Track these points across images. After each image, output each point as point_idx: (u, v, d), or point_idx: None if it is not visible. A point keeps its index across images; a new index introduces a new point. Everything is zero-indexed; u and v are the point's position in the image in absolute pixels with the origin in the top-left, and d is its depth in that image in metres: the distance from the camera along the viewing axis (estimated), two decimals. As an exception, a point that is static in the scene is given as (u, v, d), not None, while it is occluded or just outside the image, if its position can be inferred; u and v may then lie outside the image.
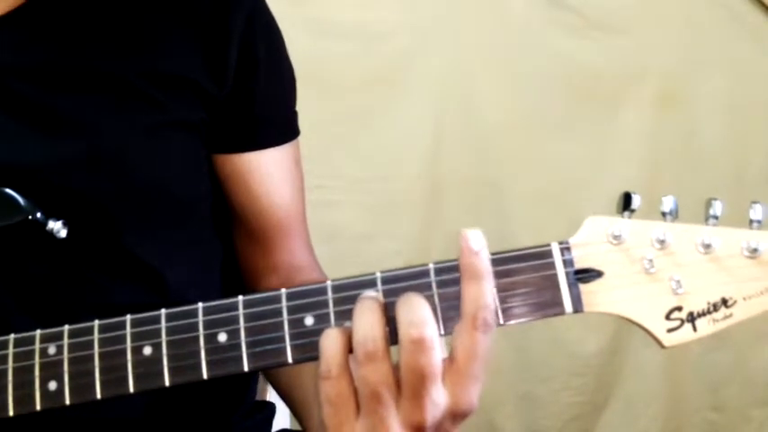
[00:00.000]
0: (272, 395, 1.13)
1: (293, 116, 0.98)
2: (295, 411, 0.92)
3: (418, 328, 0.58)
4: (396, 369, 0.60)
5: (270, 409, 1.03)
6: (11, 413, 0.66)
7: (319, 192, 1.67)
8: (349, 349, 0.60)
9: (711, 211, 0.60)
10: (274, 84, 0.94)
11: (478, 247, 0.60)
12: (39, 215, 0.77)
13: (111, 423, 0.83)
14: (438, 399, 0.59)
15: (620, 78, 1.84)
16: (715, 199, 0.60)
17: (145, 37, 0.86)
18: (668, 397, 1.91)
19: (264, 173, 0.94)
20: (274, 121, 0.95)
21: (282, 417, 1.10)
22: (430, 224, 1.86)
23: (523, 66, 1.83)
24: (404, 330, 0.59)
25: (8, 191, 0.78)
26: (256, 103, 0.91)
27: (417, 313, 0.59)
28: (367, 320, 0.60)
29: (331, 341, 0.60)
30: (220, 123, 0.90)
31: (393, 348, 0.60)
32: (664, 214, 0.61)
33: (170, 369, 0.64)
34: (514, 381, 1.89)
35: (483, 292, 0.60)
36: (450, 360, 0.60)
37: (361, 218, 1.85)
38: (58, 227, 0.78)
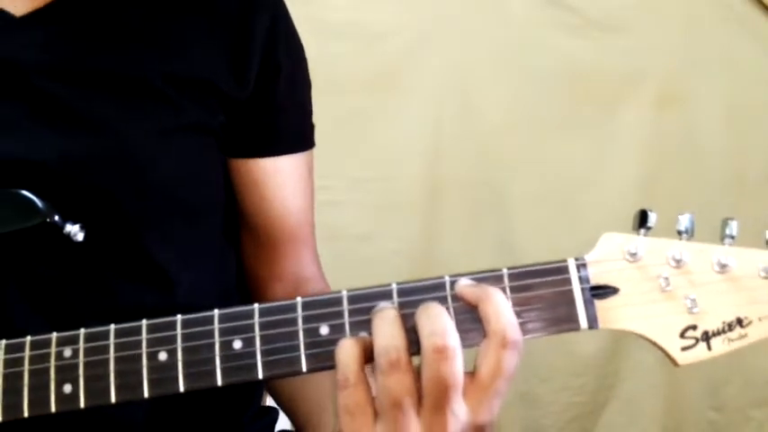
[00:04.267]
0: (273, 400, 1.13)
1: (311, 126, 0.98)
2: (297, 424, 0.92)
3: (441, 336, 0.58)
4: (417, 379, 0.59)
5: (274, 413, 1.03)
6: (26, 414, 0.66)
7: (319, 192, 1.66)
8: (365, 359, 0.61)
9: (728, 231, 0.60)
10: (294, 89, 0.94)
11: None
12: (56, 218, 0.77)
13: (120, 423, 0.83)
14: (459, 411, 0.60)
15: (620, 78, 1.84)
16: (731, 219, 0.60)
17: (168, 39, 0.86)
18: (668, 397, 1.91)
19: (279, 180, 0.94)
20: (293, 127, 0.95)
21: (283, 417, 1.11)
22: (430, 224, 1.86)
23: (523, 66, 1.83)
24: (426, 339, 0.59)
25: (26, 193, 0.77)
26: (276, 107, 0.92)
27: (439, 322, 0.59)
28: (388, 330, 0.60)
29: (347, 350, 0.60)
30: (240, 127, 0.90)
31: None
32: (680, 233, 0.61)
33: (185, 375, 0.64)
34: (514, 381, 1.87)
35: (501, 308, 0.60)
36: (473, 376, 0.60)
37: (361, 218, 1.85)
38: (75, 230, 0.77)
